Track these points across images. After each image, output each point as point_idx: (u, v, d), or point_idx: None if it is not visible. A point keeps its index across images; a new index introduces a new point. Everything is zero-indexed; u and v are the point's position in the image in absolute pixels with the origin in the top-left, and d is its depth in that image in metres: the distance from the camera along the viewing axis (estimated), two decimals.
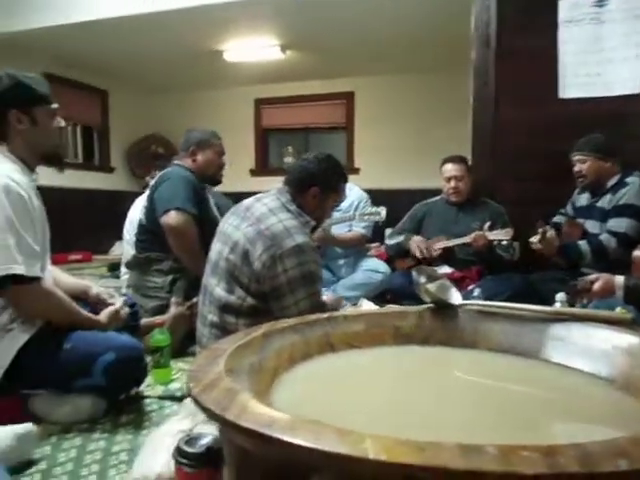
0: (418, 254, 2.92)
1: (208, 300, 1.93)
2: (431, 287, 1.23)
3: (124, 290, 3.02)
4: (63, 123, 1.77)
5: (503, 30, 3.02)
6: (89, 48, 5.38)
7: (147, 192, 3.21)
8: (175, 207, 2.34)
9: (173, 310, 2.32)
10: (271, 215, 1.83)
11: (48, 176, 1.92)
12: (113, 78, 6.65)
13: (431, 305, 1.24)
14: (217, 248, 1.91)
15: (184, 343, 2.23)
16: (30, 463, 1.33)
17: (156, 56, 5.61)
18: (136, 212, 3.10)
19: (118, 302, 1.83)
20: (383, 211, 3.12)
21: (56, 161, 1.79)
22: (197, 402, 0.73)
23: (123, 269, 3.19)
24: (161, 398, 1.76)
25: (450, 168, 3.03)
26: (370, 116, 6.47)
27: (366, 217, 3.14)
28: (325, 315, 1.27)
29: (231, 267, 1.83)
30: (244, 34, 5.02)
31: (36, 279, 1.54)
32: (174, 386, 1.85)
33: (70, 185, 5.68)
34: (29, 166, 1.69)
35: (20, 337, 1.55)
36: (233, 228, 1.86)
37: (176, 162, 2.66)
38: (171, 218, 2.33)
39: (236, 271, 1.83)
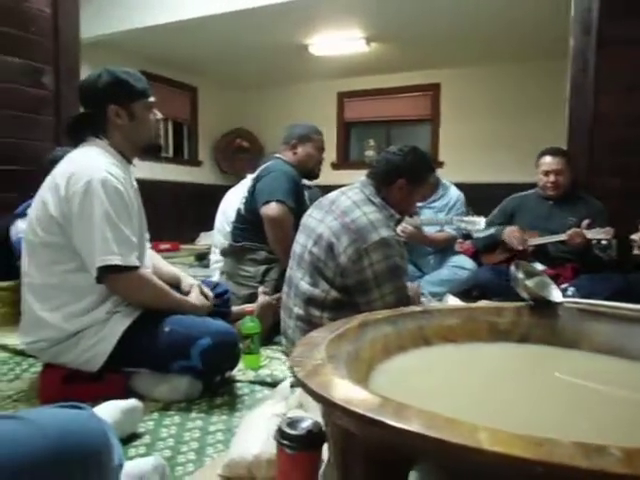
0: (515, 244, 2.84)
1: (293, 293, 1.98)
2: (530, 283, 1.20)
3: (214, 278, 3.15)
4: (160, 115, 1.85)
5: (605, 16, 2.85)
6: (180, 47, 5.62)
7: (241, 184, 3.33)
8: (276, 199, 2.41)
9: (260, 299, 2.38)
10: (355, 208, 1.85)
11: (140, 169, 2.03)
12: (202, 75, 6.90)
13: (529, 302, 1.20)
14: (301, 241, 1.95)
15: (270, 333, 2.30)
16: (135, 436, 1.43)
17: (243, 52, 5.76)
18: (229, 203, 3.21)
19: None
20: (482, 222, 3.01)
21: (153, 152, 1.89)
22: (303, 386, 0.76)
23: (213, 257, 3.32)
24: (252, 383, 1.83)
25: (549, 161, 2.91)
26: (457, 108, 6.32)
27: (463, 225, 3.07)
28: (419, 308, 1.27)
29: (315, 260, 1.86)
30: (330, 28, 5.05)
31: (133, 268, 1.64)
32: (264, 372, 1.91)
33: (160, 178, 5.98)
34: (127, 159, 1.79)
35: (124, 320, 1.66)
36: (317, 222, 1.89)
37: (277, 155, 2.73)
38: (271, 209, 2.40)
39: (320, 264, 1.86)
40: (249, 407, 1.62)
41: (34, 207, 1.73)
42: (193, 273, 4.26)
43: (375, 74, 6.49)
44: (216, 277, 3.13)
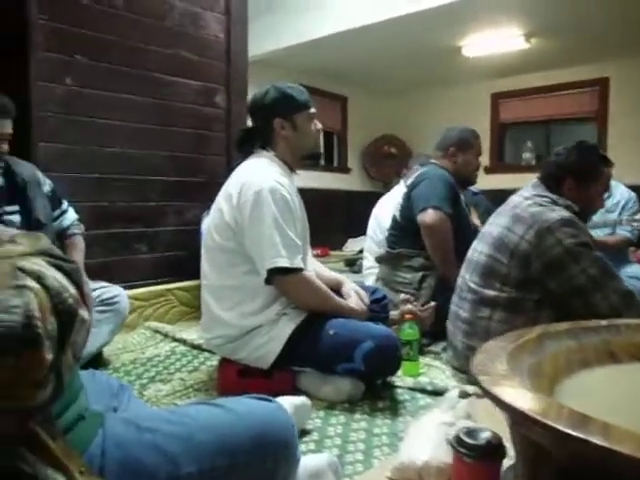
0: None
1: (461, 296, 1.95)
2: None
3: (368, 284, 3.21)
4: (320, 126, 1.97)
5: None
6: (333, 58, 5.81)
7: (394, 191, 3.36)
8: (432, 205, 2.39)
9: (401, 307, 2.36)
10: (525, 201, 1.80)
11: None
12: (352, 84, 7.06)
13: None
14: (474, 246, 1.93)
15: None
16: (304, 432, 1.50)
17: (393, 59, 5.79)
18: (382, 210, 3.26)
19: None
20: None
21: (314, 160, 2.01)
22: (490, 396, 0.74)
23: (366, 263, 3.38)
24: (412, 389, 1.83)
25: None
26: (629, 103, 5.73)
27: (636, 223, 2.80)
28: (603, 322, 1.18)
29: (486, 260, 1.82)
30: (485, 28, 4.88)
31: (298, 270, 1.73)
32: (423, 380, 1.90)
33: (312, 186, 6.22)
34: (291, 168, 1.92)
35: (292, 322, 1.76)
36: (490, 225, 1.87)
37: (433, 161, 2.71)
38: (428, 216, 2.39)
39: (491, 262, 1.81)
40: (412, 413, 1.63)
41: (212, 215, 1.91)
42: None
43: (534, 72, 6.13)
44: (369, 283, 3.18)
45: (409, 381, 1.88)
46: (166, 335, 2.58)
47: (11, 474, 0.54)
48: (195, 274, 2.85)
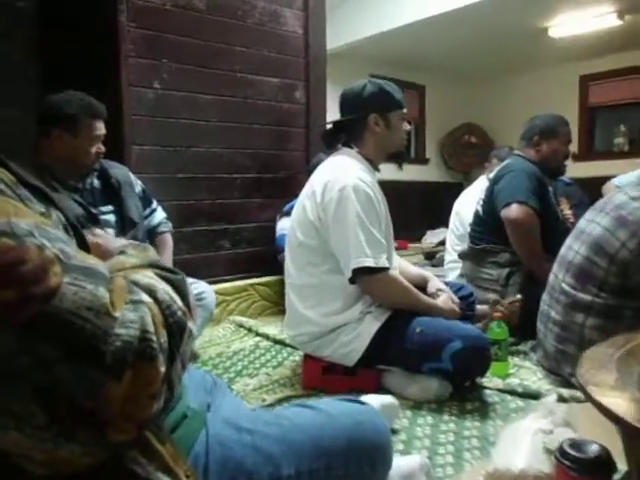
0: None
1: (552, 296, 1.85)
2: None
3: (449, 279, 3.13)
4: (409, 127, 1.93)
5: None
6: (411, 47, 5.70)
7: (476, 184, 3.26)
8: (517, 200, 2.29)
9: (485, 308, 2.28)
10: (632, 202, 1.65)
11: None
12: (430, 72, 6.90)
13: None
14: (568, 243, 1.82)
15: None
16: (392, 431, 1.48)
17: (474, 45, 5.60)
18: (463, 204, 3.16)
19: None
20: None
21: (399, 159, 1.98)
22: (602, 408, 0.70)
23: (447, 257, 3.30)
24: (501, 391, 1.76)
25: None
26: None
27: None
28: None
29: (582, 261, 1.71)
30: (573, 6, 4.60)
31: (384, 269, 1.71)
32: (513, 381, 1.83)
33: (390, 178, 6.14)
34: (374, 165, 1.89)
35: (376, 320, 1.74)
36: (586, 222, 1.74)
37: (517, 152, 2.59)
38: (512, 211, 2.29)
39: (587, 265, 1.70)
40: (502, 417, 1.57)
41: (295, 212, 1.92)
42: None
43: (628, 51, 5.72)
44: (450, 277, 3.11)
45: (498, 382, 1.81)
46: (250, 329, 2.64)
47: (125, 477, 0.56)
48: (274, 270, 2.93)
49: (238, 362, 2.18)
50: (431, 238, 6.83)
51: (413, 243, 6.55)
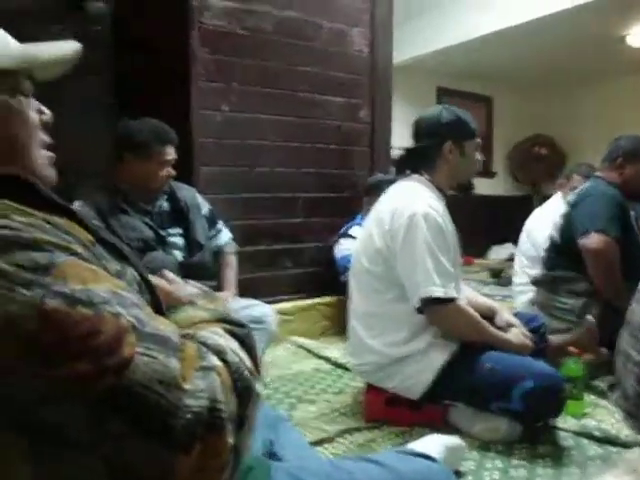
0: None
1: (633, 334, 1.72)
2: None
3: (517, 302, 3.00)
4: (480, 157, 1.90)
5: None
6: (477, 59, 5.58)
7: (550, 203, 3.12)
8: (596, 229, 2.16)
9: (578, 331, 2.16)
10: None
11: None
12: (498, 83, 6.72)
13: None
14: None
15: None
16: (457, 473, 1.42)
17: (545, 54, 5.42)
18: (536, 225, 3.02)
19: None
20: None
21: (467, 189, 1.94)
22: None
23: (516, 280, 3.16)
24: (577, 434, 1.66)
25: None
26: None
27: None
28: None
29: None
30: None
31: (452, 299, 1.65)
32: (589, 423, 1.72)
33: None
34: (443, 192, 1.84)
35: (443, 353, 1.68)
36: None
37: (598, 174, 2.46)
38: (591, 241, 2.17)
39: None
40: (578, 464, 1.47)
41: (361, 238, 1.89)
42: (489, 292, 4.17)
43: None
44: (518, 302, 2.98)
45: (573, 423, 1.71)
46: (310, 351, 2.62)
47: None
48: (336, 289, 2.91)
49: (298, 386, 2.17)
50: (497, 253, 6.62)
51: (478, 259, 6.37)
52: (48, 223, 0.56)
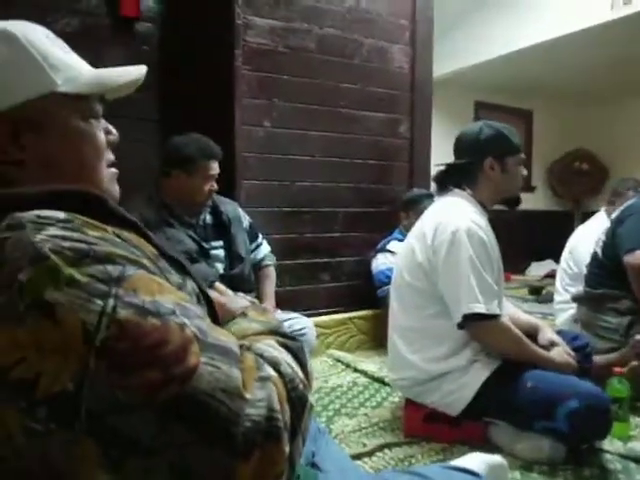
0: None
1: None
2: None
3: (558, 320, 2.95)
4: (525, 172, 1.88)
5: None
6: (517, 73, 5.53)
7: (594, 220, 3.06)
8: None
9: (625, 351, 2.11)
10: None
11: None
12: (537, 97, 6.63)
13: None
14: None
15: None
16: None
17: (587, 67, 5.33)
18: (579, 242, 2.97)
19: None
20: None
21: (513, 204, 1.92)
22: None
23: (557, 297, 3.11)
24: (623, 457, 1.61)
25: None
26: None
27: None
28: None
29: None
30: None
31: (495, 316, 1.63)
32: (636, 445, 1.67)
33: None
34: (486, 208, 1.83)
35: (485, 370, 1.67)
36: None
37: None
38: (636, 259, 2.12)
39: None
40: None
41: (403, 254, 1.90)
42: (529, 309, 4.08)
43: None
44: (559, 319, 2.92)
45: (619, 446, 1.66)
46: (347, 365, 2.62)
47: None
48: (373, 304, 2.92)
49: (336, 400, 2.17)
50: (536, 270, 6.47)
51: (516, 275, 6.24)
52: (119, 237, 0.59)
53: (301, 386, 0.60)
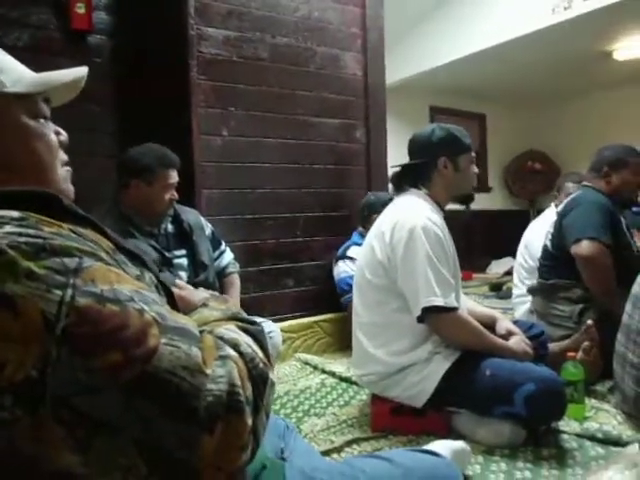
0: None
1: (629, 337, 1.77)
2: None
3: (517, 313, 3.05)
4: (476, 170, 1.96)
5: None
6: (468, 77, 5.71)
7: (544, 216, 3.18)
8: (587, 236, 2.21)
9: (578, 337, 2.20)
10: None
11: None
12: (490, 101, 6.85)
13: None
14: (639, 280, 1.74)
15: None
16: (464, 478, 1.44)
17: (536, 71, 5.54)
18: (532, 236, 3.08)
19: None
20: None
21: (467, 201, 1.99)
22: None
23: (516, 291, 3.21)
24: (579, 436, 1.69)
25: None
26: None
27: None
28: None
29: None
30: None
31: (453, 309, 1.69)
32: (591, 425, 1.74)
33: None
34: (441, 206, 1.91)
35: (445, 361, 1.73)
36: None
37: (585, 184, 2.52)
38: (582, 248, 2.22)
39: None
40: (582, 465, 1.50)
41: (363, 252, 1.95)
42: (489, 304, 4.20)
43: None
44: (518, 312, 3.02)
45: (575, 426, 1.74)
46: (315, 367, 2.65)
47: None
48: (338, 307, 2.96)
49: (305, 401, 2.20)
50: (496, 268, 6.64)
51: (477, 273, 6.40)
52: (74, 233, 0.61)
53: (261, 364, 0.63)
